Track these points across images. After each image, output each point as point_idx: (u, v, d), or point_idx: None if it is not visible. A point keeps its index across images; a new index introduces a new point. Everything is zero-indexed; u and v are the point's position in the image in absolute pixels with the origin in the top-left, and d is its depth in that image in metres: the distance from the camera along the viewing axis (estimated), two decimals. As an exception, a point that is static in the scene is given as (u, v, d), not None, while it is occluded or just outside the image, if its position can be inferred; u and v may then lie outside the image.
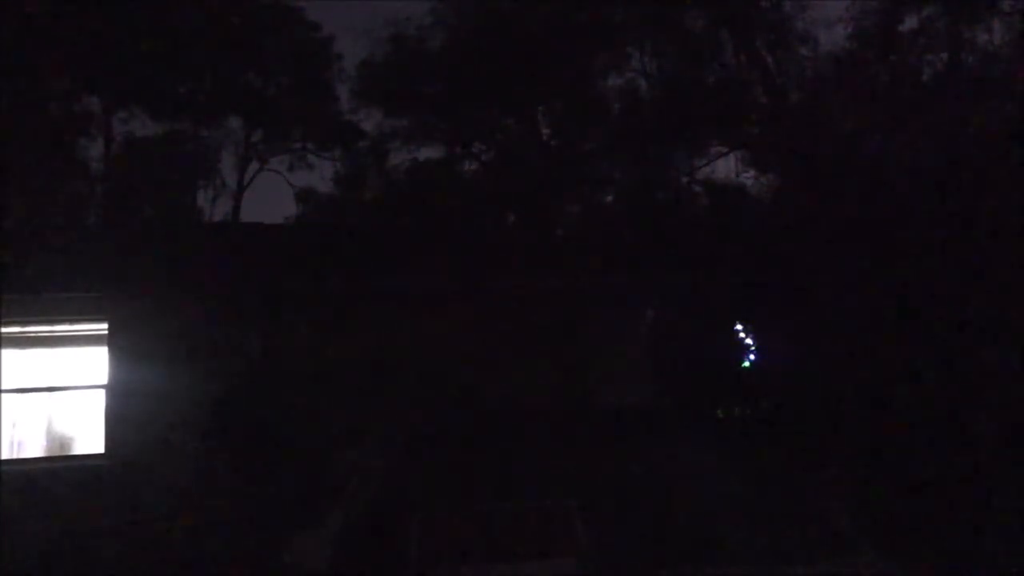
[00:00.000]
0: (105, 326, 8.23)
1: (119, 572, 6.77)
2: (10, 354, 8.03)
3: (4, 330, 7.91)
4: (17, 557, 6.69)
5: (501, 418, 8.33)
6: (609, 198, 16.28)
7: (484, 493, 6.90)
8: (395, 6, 22.01)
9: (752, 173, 13.91)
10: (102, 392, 8.11)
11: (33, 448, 8.20)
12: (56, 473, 7.75)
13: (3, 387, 7.89)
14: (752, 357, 11.19)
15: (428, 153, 17.74)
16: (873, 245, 9.23)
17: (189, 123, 18.78)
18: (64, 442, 8.29)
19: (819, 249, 9.62)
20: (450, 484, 7.12)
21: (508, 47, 14.60)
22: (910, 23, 12.00)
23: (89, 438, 8.15)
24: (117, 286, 8.26)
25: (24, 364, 8.17)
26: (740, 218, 12.80)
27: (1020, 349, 7.97)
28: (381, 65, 17.00)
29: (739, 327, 11.21)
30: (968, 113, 10.16)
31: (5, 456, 7.95)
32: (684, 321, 10.63)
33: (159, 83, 16.69)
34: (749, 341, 11.21)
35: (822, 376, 9.28)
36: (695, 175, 14.98)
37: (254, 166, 21.07)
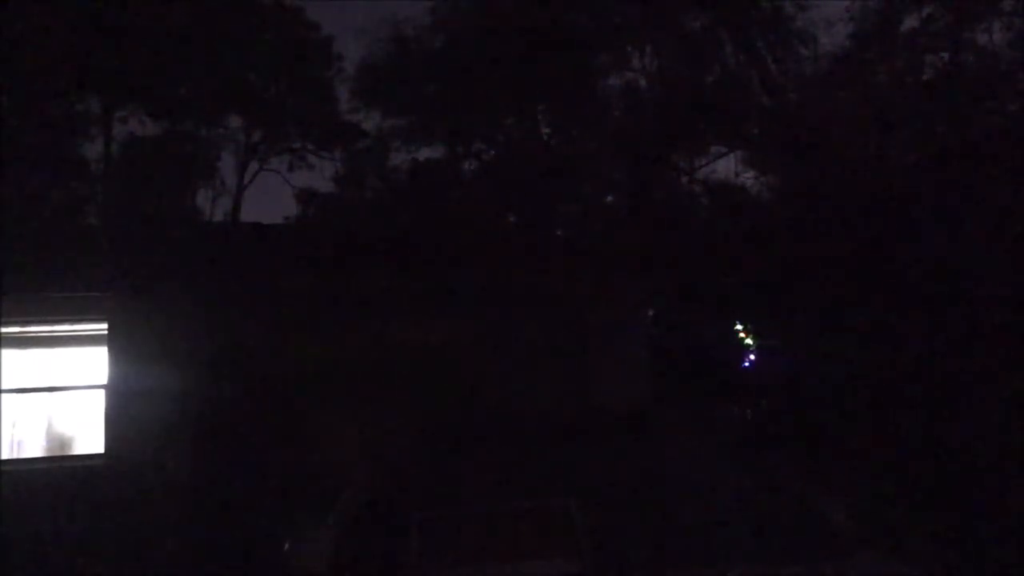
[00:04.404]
0: (105, 326, 8.23)
1: (117, 572, 6.77)
2: (10, 354, 8.03)
3: (4, 330, 7.91)
4: (17, 557, 6.69)
5: (501, 418, 8.33)
6: (609, 198, 16.26)
7: (484, 493, 6.90)
8: (395, 6, 22.02)
9: (752, 173, 13.92)
10: (102, 392, 8.11)
11: (33, 448, 8.19)
12: (56, 473, 7.75)
13: (3, 387, 7.89)
14: (752, 357, 11.19)
15: (428, 153, 17.76)
16: (873, 245, 9.23)
17: (189, 123, 18.77)
18: (64, 442, 8.29)
19: (819, 249, 9.62)
20: (450, 484, 7.12)
21: (508, 47, 14.59)
22: (910, 23, 12.01)
23: (89, 438, 8.15)
24: (117, 286, 8.26)
25: (24, 364, 8.17)
26: (740, 218, 12.79)
27: (1021, 348, 7.97)
28: (381, 65, 16.99)
29: (739, 327, 11.21)
30: (968, 113, 10.17)
31: (5, 456, 7.95)
32: (684, 321, 10.63)
33: (159, 83, 16.67)
34: (749, 341, 11.22)
35: (822, 376, 9.28)
36: (695, 175, 14.98)
37: (254, 166, 21.10)
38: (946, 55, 11.71)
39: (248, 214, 20.73)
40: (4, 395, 7.88)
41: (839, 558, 6.21)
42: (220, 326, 8.34)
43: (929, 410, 8.18)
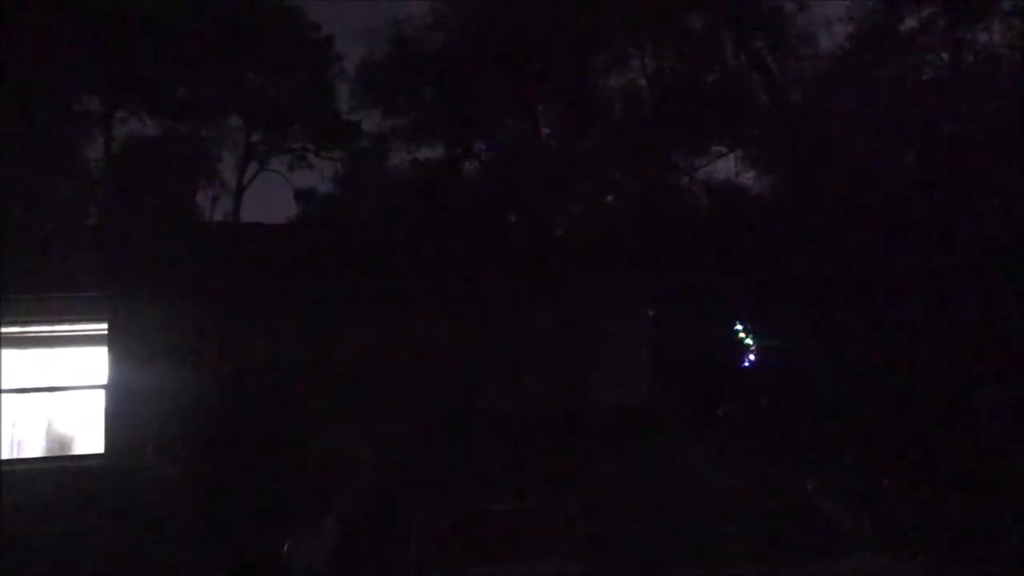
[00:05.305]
0: (105, 326, 8.23)
1: (117, 572, 6.76)
2: (10, 354, 8.03)
3: (4, 330, 7.90)
4: (17, 557, 6.69)
5: (501, 418, 8.33)
6: (609, 198, 16.27)
7: (484, 493, 6.89)
8: (395, 6, 22.00)
9: (752, 173, 13.93)
10: (102, 392, 8.11)
11: (33, 448, 8.19)
12: (56, 473, 7.75)
13: (3, 387, 7.89)
14: (752, 357, 11.19)
15: (428, 153, 17.75)
16: (873, 244, 9.24)
17: (189, 123, 18.76)
18: (64, 442, 8.29)
19: (819, 249, 9.63)
20: (450, 484, 7.12)
21: (508, 47, 14.60)
22: (910, 23, 12.01)
23: (89, 438, 8.15)
24: (117, 286, 8.25)
25: (24, 364, 8.17)
26: (740, 218, 12.79)
27: (1020, 347, 7.98)
28: (381, 65, 17.01)
29: (739, 327, 11.21)
30: (968, 113, 10.17)
31: (5, 456, 7.95)
32: (684, 321, 10.63)
33: (159, 83, 16.67)
34: (749, 341, 11.22)
35: (822, 375, 9.29)
36: (695, 175, 14.99)
37: (254, 166, 21.06)
38: (946, 55, 11.71)
39: (248, 214, 20.71)
40: (4, 395, 7.88)
41: (839, 558, 6.21)
42: (220, 326, 8.34)
43: (930, 409, 8.18)
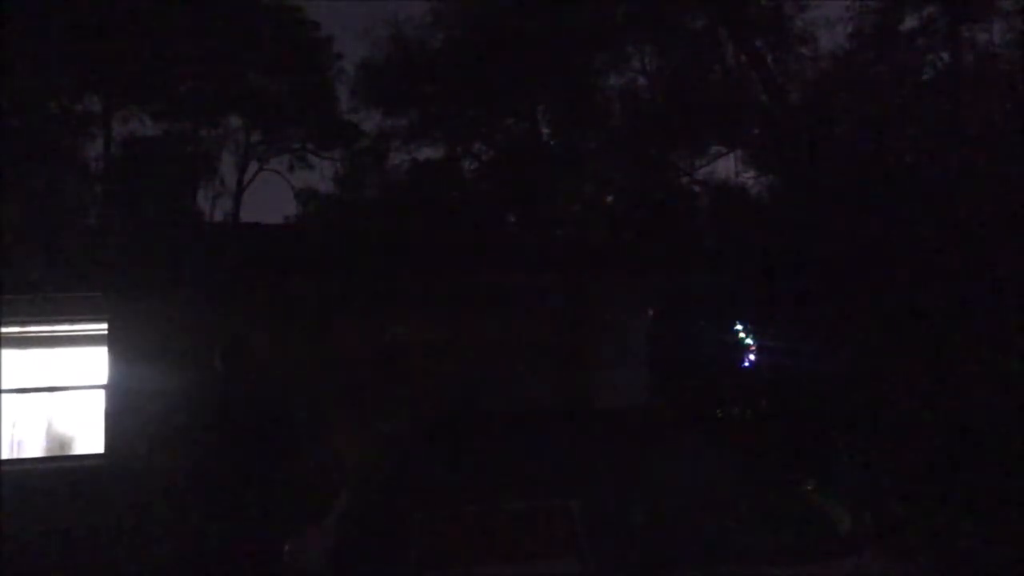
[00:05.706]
0: (105, 326, 8.23)
1: (117, 572, 6.77)
2: (10, 354, 8.03)
3: (4, 330, 7.90)
4: (17, 557, 6.69)
5: (500, 418, 8.31)
6: (609, 198, 16.30)
7: (484, 493, 6.89)
8: (395, 6, 22.06)
9: (752, 173, 13.95)
10: (102, 392, 8.10)
11: (33, 448, 8.19)
12: (56, 473, 7.74)
13: (3, 387, 7.89)
14: (752, 357, 11.19)
15: (428, 153, 17.77)
16: (873, 245, 9.24)
17: (189, 123, 18.77)
18: (64, 442, 8.29)
19: (819, 249, 9.63)
20: (450, 484, 7.11)
21: (508, 47, 14.61)
22: (910, 23, 12.04)
23: (89, 438, 8.15)
24: (117, 286, 8.25)
25: (24, 364, 8.16)
26: (740, 218, 12.80)
27: (1020, 350, 7.98)
28: (381, 65, 17.03)
29: (739, 327, 11.21)
30: (968, 113, 10.18)
31: (5, 456, 7.94)
32: (684, 321, 10.63)
33: (159, 83, 16.69)
34: (749, 341, 11.22)
35: (823, 376, 9.29)
36: (695, 175, 15.02)
37: (254, 166, 21.07)
38: (946, 55, 11.73)
39: (248, 214, 20.74)
40: (4, 395, 7.88)
41: (839, 558, 6.20)
42: (220, 326, 8.33)
43: (930, 409, 8.18)
